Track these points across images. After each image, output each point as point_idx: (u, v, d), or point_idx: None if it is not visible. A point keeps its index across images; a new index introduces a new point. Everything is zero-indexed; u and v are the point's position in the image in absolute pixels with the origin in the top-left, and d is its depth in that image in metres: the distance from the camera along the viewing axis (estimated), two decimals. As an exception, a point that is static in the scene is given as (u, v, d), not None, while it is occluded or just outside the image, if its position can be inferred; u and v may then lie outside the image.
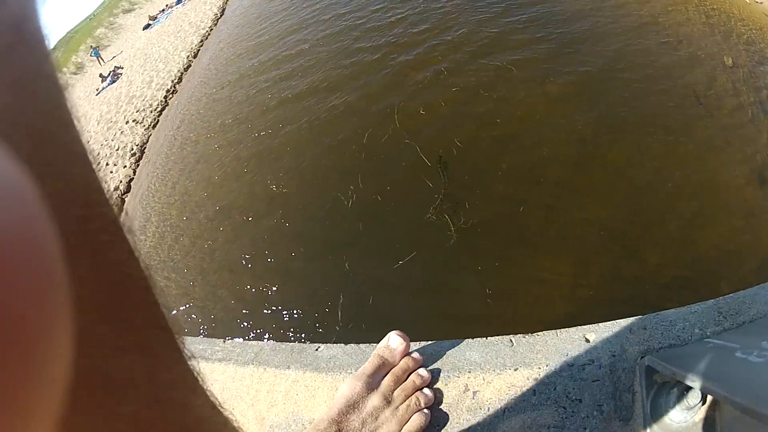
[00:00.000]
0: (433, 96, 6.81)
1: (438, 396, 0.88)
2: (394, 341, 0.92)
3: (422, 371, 0.89)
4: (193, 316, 5.65)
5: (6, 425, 0.14)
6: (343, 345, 1.06)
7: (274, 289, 5.32)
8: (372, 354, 0.92)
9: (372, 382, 0.87)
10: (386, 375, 0.88)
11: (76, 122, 0.26)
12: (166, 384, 0.33)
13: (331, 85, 8.22)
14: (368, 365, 0.90)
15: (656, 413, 0.75)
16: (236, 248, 6.11)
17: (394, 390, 0.86)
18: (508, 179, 5.23)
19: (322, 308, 4.85)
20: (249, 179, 7.11)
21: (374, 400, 0.84)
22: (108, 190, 0.28)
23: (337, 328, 4.62)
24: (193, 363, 0.36)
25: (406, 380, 0.88)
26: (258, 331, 5.02)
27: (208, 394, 0.39)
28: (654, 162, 4.95)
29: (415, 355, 0.92)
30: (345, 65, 8.63)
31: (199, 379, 0.37)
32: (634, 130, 5.31)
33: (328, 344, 1.08)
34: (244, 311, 5.29)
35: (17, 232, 0.15)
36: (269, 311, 5.13)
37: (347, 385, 0.86)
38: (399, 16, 9.36)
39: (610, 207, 4.69)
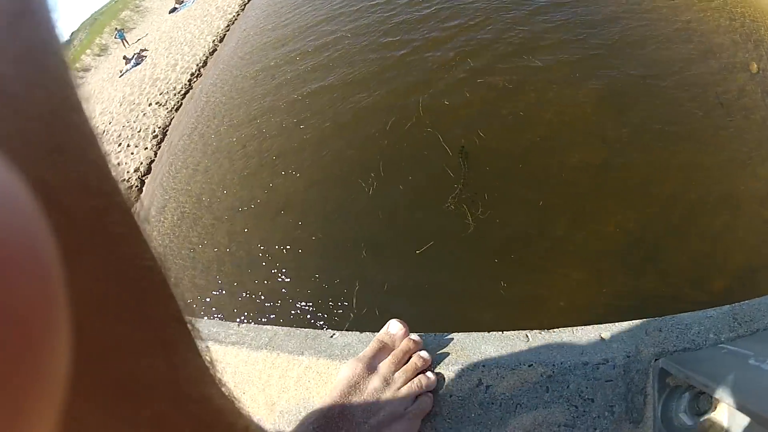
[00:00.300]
0: (459, 89, 6.79)
1: (446, 385, 0.89)
2: (393, 327, 0.94)
3: (423, 353, 0.90)
4: (207, 300, 5.70)
5: (5, 425, 0.14)
6: (358, 333, 1.07)
7: (290, 276, 5.35)
8: (372, 340, 0.93)
9: (372, 365, 0.87)
10: (387, 357, 0.89)
11: (84, 104, 0.24)
12: (186, 381, 0.32)
13: (357, 77, 8.21)
14: (368, 349, 0.91)
15: (666, 417, 0.75)
16: (254, 235, 6.14)
17: (395, 372, 0.87)
18: (530, 175, 5.20)
19: (338, 296, 4.87)
20: (270, 168, 7.14)
21: (375, 381, 0.85)
22: (120, 177, 0.26)
23: (352, 315, 4.64)
24: (207, 355, 0.35)
25: (407, 363, 0.89)
26: (272, 317, 5.05)
27: (223, 384, 0.38)
28: (680, 172, 4.88)
29: (416, 337, 0.93)
30: (372, 58, 8.59)
31: (215, 371, 0.36)
32: (661, 137, 5.22)
33: (343, 332, 1.08)
34: (259, 299, 5.33)
35: (12, 236, 0.15)
36: (285, 299, 5.16)
37: (348, 368, 0.87)
38: (428, 11, 9.29)
39: (631, 213, 4.64)
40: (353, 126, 7.02)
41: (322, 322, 4.77)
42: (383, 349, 0.90)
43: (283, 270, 5.44)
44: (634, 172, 4.97)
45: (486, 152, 5.64)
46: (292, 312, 4.99)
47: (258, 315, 5.17)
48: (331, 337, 1.07)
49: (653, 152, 5.11)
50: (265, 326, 1.19)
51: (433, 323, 4.27)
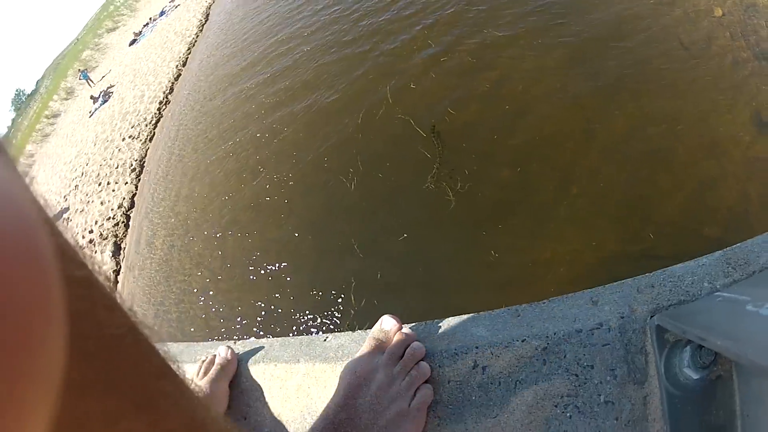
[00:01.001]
0: (425, 72, 6.83)
1: (443, 372, 0.87)
2: (387, 323, 0.92)
3: (416, 345, 0.89)
4: (206, 323, 5.73)
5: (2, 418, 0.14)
6: (350, 333, 1.06)
7: (287, 289, 5.37)
8: (367, 338, 0.93)
9: (371, 364, 0.86)
10: (384, 354, 0.88)
11: (42, 207, 0.20)
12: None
13: (322, 78, 8.22)
14: (365, 348, 0.90)
15: (670, 373, 0.73)
16: (245, 253, 6.16)
17: (394, 367, 0.85)
18: (506, 145, 5.23)
19: (336, 298, 4.89)
20: (252, 182, 7.16)
21: (377, 380, 0.84)
22: (77, 241, 0.23)
23: (352, 312, 4.64)
24: (199, 393, 0.32)
25: (403, 356, 0.87)
26: (274, 332, 5.06)
27: (216, 419, 0.35)
28: (661, 127, 4.89)
29: (408, 330, 0.92)
30: (333, 59, 8.59)
31: (206, 407, 0.34)
32: (636, 96, 5.22)
33: (336, 333, 1.09)
34: (258, 316, 5.34)
35: (9, 232, 0.14)
36: (284, 312, 5.17)
37: (348, 370, 0.86)
38: (389, 16, 9.22)
39: (615, 171, 4.65)
40: (327, 126, 7.04)
41: (324, 327, 4.77)
42: (379, 347, 0.89)
43: (279, 284, 5.44)
44: (612, 132, 4.98)
45: (459, 129, 5.68)
46: (293, 325, 4.99)
47: (258, 331, 5.18)
48: (325, 340, 1.07)
49: (631, 110, 5.12)
50: (260, 339, 1.20)
51: (428, 307, 4.30)
